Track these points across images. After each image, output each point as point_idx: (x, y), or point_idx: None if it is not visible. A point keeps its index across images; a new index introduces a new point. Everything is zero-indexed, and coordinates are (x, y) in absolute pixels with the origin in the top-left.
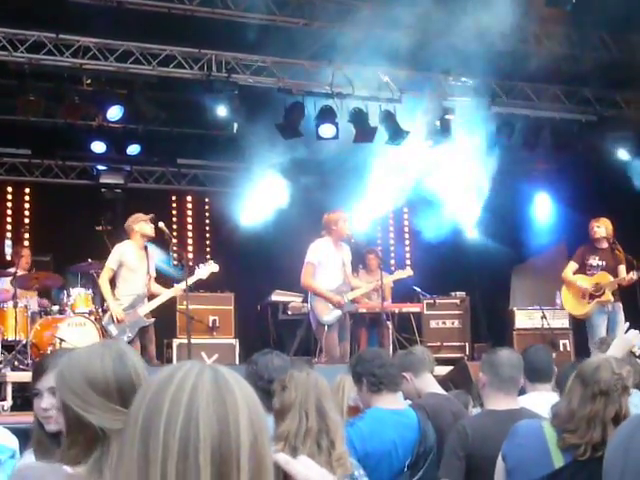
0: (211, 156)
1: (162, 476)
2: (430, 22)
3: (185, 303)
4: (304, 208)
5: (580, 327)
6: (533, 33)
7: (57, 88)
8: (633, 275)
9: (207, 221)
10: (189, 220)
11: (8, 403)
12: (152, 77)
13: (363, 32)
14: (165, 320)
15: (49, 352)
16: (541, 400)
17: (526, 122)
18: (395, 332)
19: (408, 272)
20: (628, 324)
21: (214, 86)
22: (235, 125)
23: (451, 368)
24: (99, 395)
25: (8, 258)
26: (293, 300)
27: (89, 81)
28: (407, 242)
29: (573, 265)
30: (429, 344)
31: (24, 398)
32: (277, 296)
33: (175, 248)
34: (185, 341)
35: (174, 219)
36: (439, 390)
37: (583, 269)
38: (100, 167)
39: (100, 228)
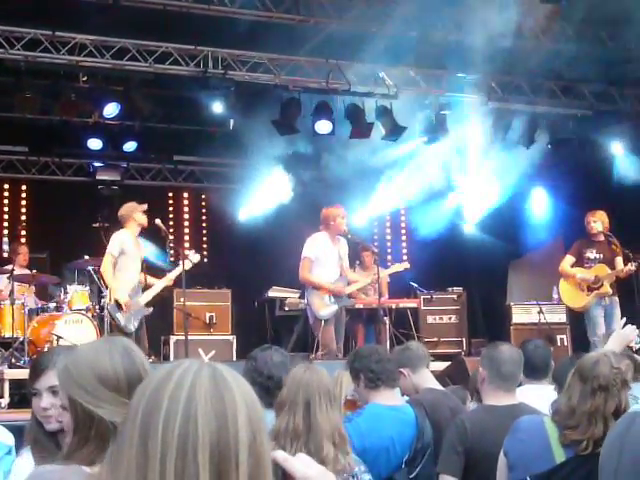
0: (208, 153)
1: (161, 473)
2: (426, 18)
3: (182, 300)
4: (301, 204)
5: (577, 322)
6: (529, 29)
7: (53, 85)
8: (631, 266)
9: (204, 217)
10: (186, 217)
11: (5, 400)
12: (148, 74)
13: (359, 28)
14: (162, 317)
15: (46, 350)
16: (537, 394)
17: (522, 117)
18: (392, 328)
19: (405, 265)
20: (625, 319)
21: (210, 83)
22: (231, 122)
23: (448, 364)
24: (110, 390)
25: (5, 255)
26: (290, 296)
27: (85, 78)
28: (404, 238)
29: (570, 259)
30: (426, 339)
31: (21, 395)
32: (274, 292)
33: (172, 245)
34: (182, 338)
35: (171, 216)
36: (436, 385)
37: (580, 262)
38: (97, 164)
39: (97, 225)
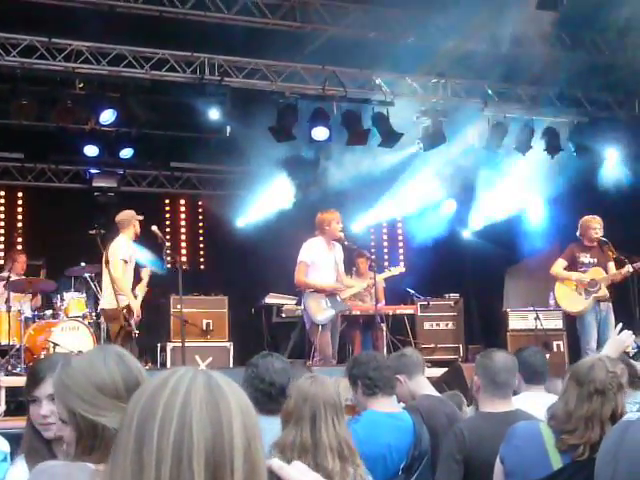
0: (204, 159)
1: None
2: (423, 25)
3: (179, 306)
4: (298, 211)
5: (574, 328)
6: (525, 36)
7: (50, 92)
8: (629, 268)
9: (200, 224)
10: (182, 223)
11: (1, 408)
12: (145, 80)
13: (356, 35)
14: (159, 323)
15: (43, 357)
16: (535, 401)
17: (519, 124)
18: (389, 334)
19: (400, 269)
20: (621, 324)
21: (207, 89)
22: (228, 128)
23: (445, 370)
24: (110, 398)
25: (0, 262)
26: (287, 303)
27: (81, 85)
28: (400, 244)
29: (562, 262)
30: (423, 346)
31: (17, 403)
32: (271, 299)
33: (168, 251)
34: (179, 344)
35: (167, 222)
36: (433, 392)
37: (574, 266)
38: (93, 171)
39: (93, 232)
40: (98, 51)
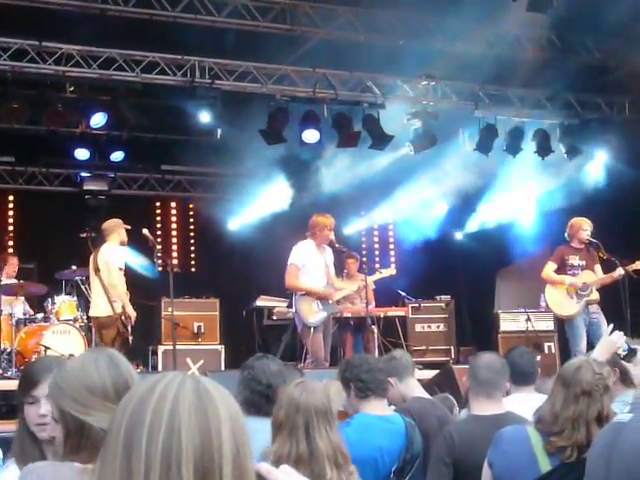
0: (195, 162)
1: None
2: (414, 27)
3: (170, 309)
4: (289, 213)
5: (565, 329)
6: (515, 38)
7: (40, 95)
8: (620, 271)
9: (191, 227)
10: (173, 226)
11: None
12: (135, 84)
13: (346, 37)
14: (150, 327)
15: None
16: (525, 402)
17: (509, 125)
18: (380, 336)
19: (391, 271)
20: (612, 325)
21: (197, 92)
22: (219, 131)
23: (437, 372)
24: (99, 398)
25: None
26: (278, 305)
27: (72, 88)
28: (392, 246)
29: (552, 265)
30: (414, 348)
31: (9, 406)
32: (262, 301)
33: (159, 254)
34: (170, 347)
35: (158, 225)
36: (423, 394)
37: (563, 269)
38: (84, 174)
39: (84, 235)
40: (88, 54)
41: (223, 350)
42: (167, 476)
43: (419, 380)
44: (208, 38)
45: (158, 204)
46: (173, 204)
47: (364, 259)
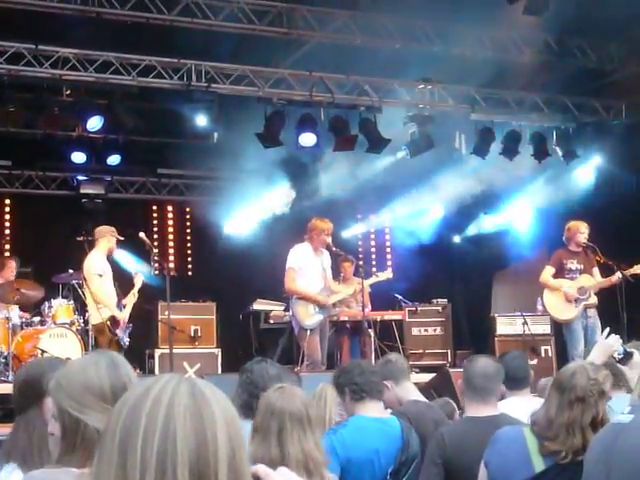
0: (192, 165)
1: None
2: (411, 30)
3: (167, 313)
4: (286, 217)
5: (562, 333)
6: (512, 41)
7: (37, 99)
8: (618, 275)
9: (188, 231)
10: (170, 230)
11: None
12: (132, 87)
13: (343, 41)
14: (147, 330)
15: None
16: (520, 405)
17: (506, 129)
18: (377, 340)
19: (387, 274)
20: (609, 329)
21: (194, 96)
22: (215, 134)
23: (433, 375)
24: (95, 397)
25: None
26: (275, 309)
27: (69, 92)
28: (388, 250)
29: (551, 269)
30: (411, 351)
31: (6, 410)
32: (259, 305)
33: (156, 258)
34: (167, 351)
35: (155, 229)
36: (419, 397)
37: (561, 273)
38: (80, 177)
39: (81, 238)
40: (85, 58)
41: (220, 354)
42: (162, 479)
43: (416, 384)
44: (204, 41)
45: (155, 207)
46: (170, 208)
47: (360, 262)
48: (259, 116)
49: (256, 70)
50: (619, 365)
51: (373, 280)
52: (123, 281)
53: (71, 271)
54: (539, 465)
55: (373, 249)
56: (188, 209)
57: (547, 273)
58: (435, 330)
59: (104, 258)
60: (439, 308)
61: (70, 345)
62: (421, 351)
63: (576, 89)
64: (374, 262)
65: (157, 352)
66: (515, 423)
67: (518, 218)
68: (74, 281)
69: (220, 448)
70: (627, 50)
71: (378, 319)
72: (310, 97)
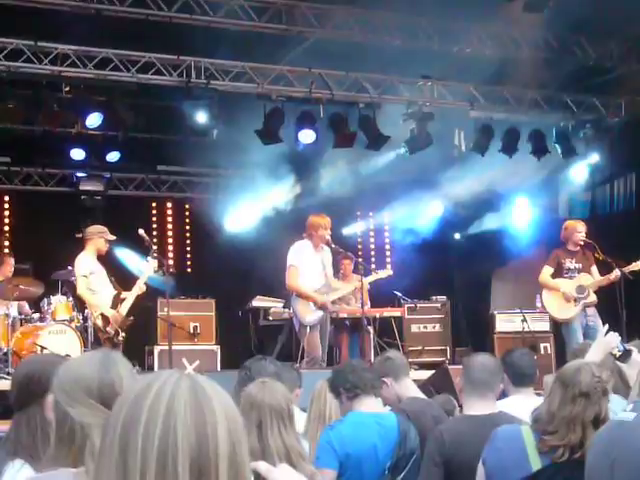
0: (191, 162)
1: None
2: (410, 27)
3: (166, 310)
4: (285, 214)
5: (561, 330)
6: (511, 38)
7: (36, 96)
8: (617, 273)
9: (187, 227)
10: (169, 227)
11: None
12: (131, 84)
13: (342, 37)
14: (146, 327)
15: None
16: (524, 403)
17: (505, 126)
18: (376, 337)
19: (387, 272)
20: (607, 326)
21: (193, 92)
22: (215, 131)
23: (432, 372)
24: (83, 392)
25: None
26: (274, 306)
27: (68, 88)
28: (387, 247)
29: (549, 269)
30: (410, 348)
31: (5, 406)
32: (258, 302)
33: (155, 255)
34: (166, 348)
35: (154, 226)
36: (419, 394)
37: (560, 272)
38: (80, 174)
39: (80, 235)
40: (84, 54)
41: (219, 350)
42: (163, 474)
43: (415, 380)
44: (204, 38)
45: (154, 204)
46: (169, 204)
47: (360, 259)
48: (258, 113)
49: (255, 67)
50: (618, 363)
51: (373, 278)
52: (124, 278)
53: (70, 268)
54: (536, 464)
55: (372, 246)
56: (187, 206)
57: (546, 273)
58: (434, 327)
59: (93, 258)
60: (438, 305)
61: (69, 342)
62: (420, 348)
63: (575, 86)
64: (373, 259)
65: (156, 349)
66: (514, 421)
67: (517, 215)
68: (73, 278)
69: (221, 443)
70: (627, 47)
71: (377, 316)
72: (309, 94)
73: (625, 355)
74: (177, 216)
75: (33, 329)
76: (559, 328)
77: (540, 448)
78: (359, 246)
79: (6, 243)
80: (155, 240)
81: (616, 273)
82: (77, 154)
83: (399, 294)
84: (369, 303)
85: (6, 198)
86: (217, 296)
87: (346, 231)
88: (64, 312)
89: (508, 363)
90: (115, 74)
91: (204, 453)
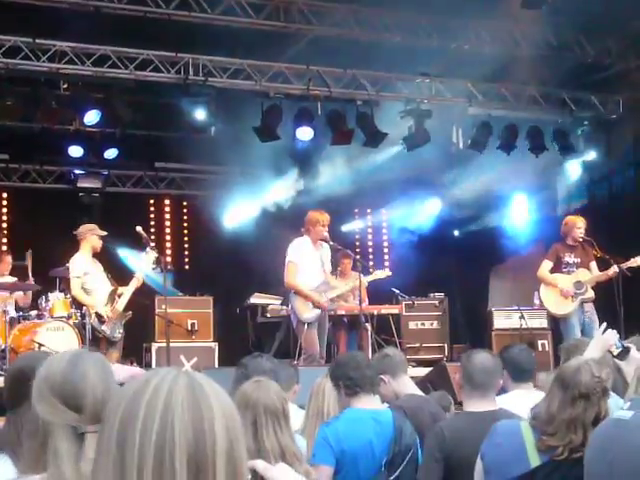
0: (189, 159)
1: None
2: (408, 24)
3: (164, 307)
4: (283, 211)
5: (558, 327)
6: (510, 35)
7: (34, 93)
8: (615, 269)
9: (185, 224)
10: (167, 224)
11: None
12: (129, 81)
13: (340, 34)
14: (144, 324)
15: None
16: (524, 399)
17: (503, 123)
18: (374, 334)
19: (386, 273)
20: (605, 324)
21: (191, 89)
22: (213, 128)
23: (430, 369)
24: (48, 389)
25: None
26: (272, 303)
27: (66, 85)
28: (385, 244)
29: (548, 264)
30: (408, 345)
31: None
32: (256, 299)
33: (153, 249)
34: (164, 345)
35: (152, 223)
36: (416, 391)
37: (559, 267)
38: (78, 171)
39: (76, 233)
40: (82, 52)
41: (217, 347)
42: (160, 470)
43: (412, 377)
44: (202, 35)
45: (152, 201)
46: (167, 201)
47: (358, 257)
48: (256, 110)
49: (253, 64)
50: (616, 360)
51: (372, 278)
52: (121, 274)
53: (68, 265)
54: (534, 460)
55: (370, 243)
56: (185, 203)
57: (544, 268)
58: (432, 324)
59: (88, 258)
60: (436, 302)
61: (67, 338)
62: (418, 345)
63: (574, 83)
64: (371, 256)
65: (154, 346)
66: (514, 418)
67: (515, 213)
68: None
69: (218, 440)
70: (625, 45)
71: (375, 313)
72: (307, 91)
73: (623, 353)
74: (175, 213)
75: (31, 326)
76: (557, 324)
77: (539, 447)
78: (357, 244)
79: (4, 240)
80: (153, 237)
81: (614, 269)
82: (75, 151)
83: (397, 291)
84: (367, 300)
85: (4, 195)
86: (215, 293)
87: (344, 229)
88: (62, 309)
89: (507, 359)
90: (113, 71)
91: (201, 449)
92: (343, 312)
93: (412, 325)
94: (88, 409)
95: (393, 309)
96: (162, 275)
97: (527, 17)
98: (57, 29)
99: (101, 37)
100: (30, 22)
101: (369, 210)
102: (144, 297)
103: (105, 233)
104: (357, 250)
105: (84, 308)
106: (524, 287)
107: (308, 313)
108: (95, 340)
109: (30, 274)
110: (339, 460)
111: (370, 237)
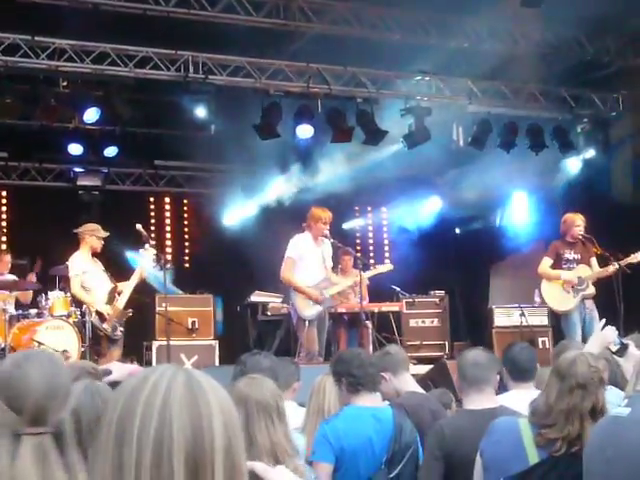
0: (189, 157)
1: (136, 479)
2: (408, 22)
3: (164, 305)
4: (283, 208)
5: (559, 324)
6: (509, 33)
7: (33, 90)
8: (615, 265)
9: (185, 222)
10: (167, 222)
11: None
12: (129, 79)
13: (340, 32)
14: (144, 322)
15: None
16: (524, 398)
17: (503, 121)
18: (375, 331)
19: (388, 266)
20: (605, 320)
21: (191, 87)
22: (213, 126)
23: (430, 367)
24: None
25: None
26: (273, 301)
27: (65, 83)
28: (386, 242)
29: (548, 260)
30: (409, 343)
31: None
32: (257, 297)
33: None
34: (164, 343)
35: (152, 221)
36: (417, 389)
37: (559, 264)
38: (77, 169)
39: (77, 231)
40: (82, 49)
41: (217, 346)
42: (158, 467)
43: (413, 375)
44: (201, 33)
45: (152, 199)
46: (167, 199)
47: (358, 254)
48: (256, 108)
49: (253, 61)
50: (615, 356)
51: (373, 272)
52: (122, 272)
53: (68, 263)
54: (533, 457)
55: (371, 240)
56: (185, 201)
57: (545, 264)
58: (432, 322)
59: (87, 257)
60: (436, 300)
61: (67, 337)
62: (418, 343)
63: (573, 81)
64: (372, 254)
65: (154, 344)
66: (513, 415)
67: (515, 210)
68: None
69: (216, 437)
70: (624, 42)
71: (376, 311)
72: (307, 89)
73: (622, 349)
74: (175, 211)
75: (30, 325)
76: (558, 322)
77: (538, 442)
78: (358, 241)
79: (3, 238)
80: (153, 235)
81: (614, 266)
82: (74, 149)
83: (397, 289)
84: (367, 298)
85: (3, 193)
86: (215, 291)
87: (345, 226)
88: (62, 307)
89: (508, 358)
90: (112, 69)
91: (199, 446)
92: (344, 310)
93: (413, 323)
94: (28, 411)
95: (394, 307)
96: (162, 272)
97: (526, 15)
98: (56, 26)
99: (100, 35)
100: (29, 19)
101: (370, 208)
102: (144, 295)
103: (107, 234)
104: (358, 248)
105: (84, 307)
106: (524, 285)
107: (309, 311)
108: (96, 338)
109: (35, 278)
110: (339, 458)
111: (371, 235)
